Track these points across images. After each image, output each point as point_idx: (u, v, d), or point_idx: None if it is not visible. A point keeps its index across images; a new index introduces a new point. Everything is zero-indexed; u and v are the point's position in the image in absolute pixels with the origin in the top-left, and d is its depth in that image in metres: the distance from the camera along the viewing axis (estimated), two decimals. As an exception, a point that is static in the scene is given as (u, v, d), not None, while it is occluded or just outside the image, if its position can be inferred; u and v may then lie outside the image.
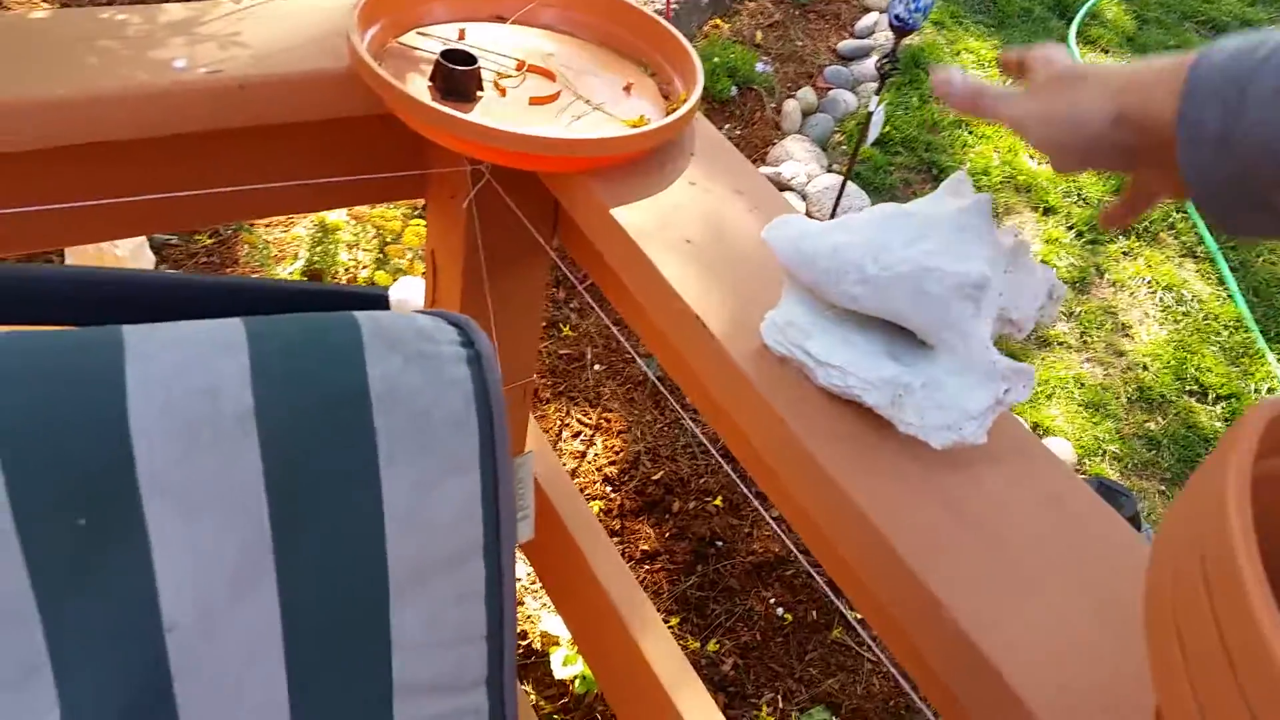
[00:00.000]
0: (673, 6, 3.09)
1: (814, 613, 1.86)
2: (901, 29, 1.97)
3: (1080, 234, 2.80)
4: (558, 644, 1.65)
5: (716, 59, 2.96)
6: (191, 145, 0.85)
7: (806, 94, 2.98)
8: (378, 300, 0.62)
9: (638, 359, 2.17)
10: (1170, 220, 2.92)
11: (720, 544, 1.92)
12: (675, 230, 0.78)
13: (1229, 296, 2.73)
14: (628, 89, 0.91)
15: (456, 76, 0.82)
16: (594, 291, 2.26)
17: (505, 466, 0.59)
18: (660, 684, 1.05)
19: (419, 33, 0.92)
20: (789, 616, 1.84)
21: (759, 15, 3.32)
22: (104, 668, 0.53)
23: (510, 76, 0.89)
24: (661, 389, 2.08)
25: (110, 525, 0.51)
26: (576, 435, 2.03)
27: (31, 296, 0.63)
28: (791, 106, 2.90)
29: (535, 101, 0.87)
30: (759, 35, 3.21)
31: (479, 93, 0.85)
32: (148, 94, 0.80)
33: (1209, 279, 2.79)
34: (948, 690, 0.60)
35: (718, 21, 3.22)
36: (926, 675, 0.64)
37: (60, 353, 0.51)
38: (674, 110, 0.86)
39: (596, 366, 2.16)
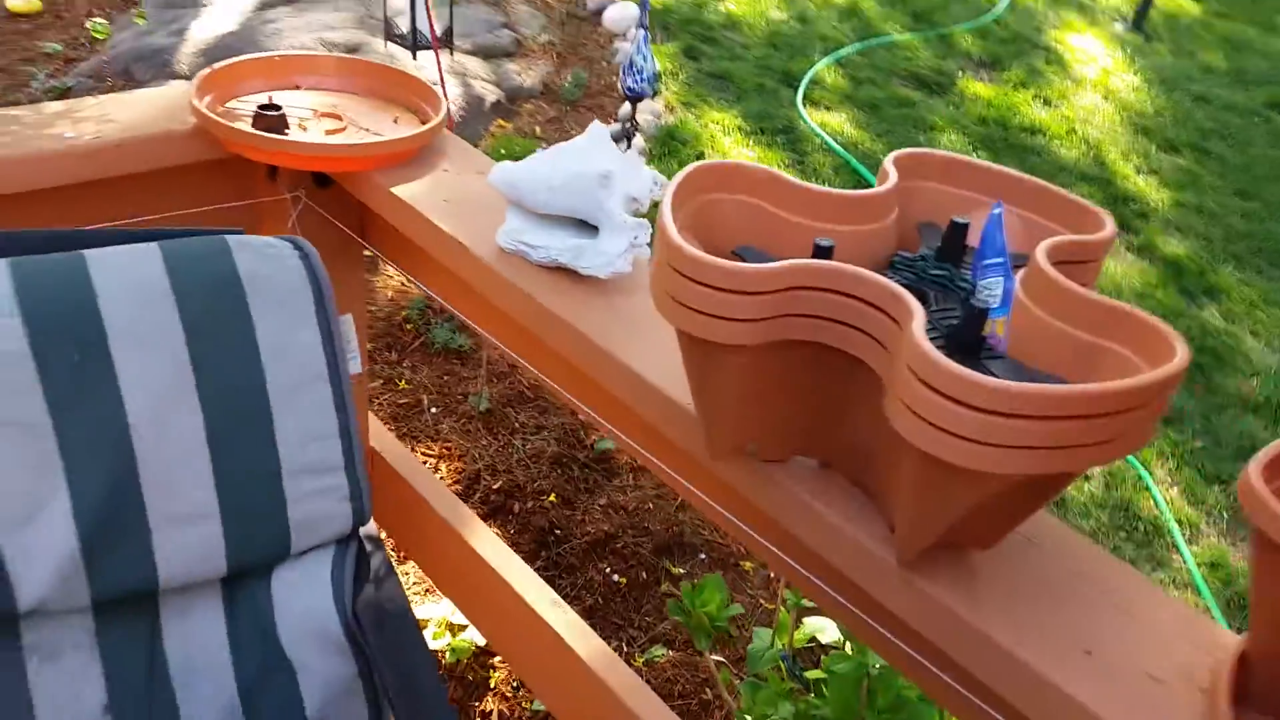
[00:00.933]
0: (460, 113, 3.55)
1: (643, 574, 2.21)
2: (634, 96, 2.46)
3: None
4: (425, 624, 1.93)
5: (504, 151, 3.41)
6: (73, 194, 1.18)
7: (584, 170, 3.47)
8: (233, 232, 0.97)
9: (469, 397, 2.52)
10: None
11: (559, 532, 2.25)
12: (437, 195, 1.17)
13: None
14: (396, 120, 1.31)
15: (270, 118, 1.19)
16: (423, 351, 2.61)
17: (334, 321, 0.95)
18: (554, 632, 1.27)
19: (238, 100, 1.29)
20: (623, 580, 2.18)
21: (537, 114, 3.83)
22: (95, 459, 0.85)
23: (309, 119, 1.26)
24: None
25: (91, 359, 0.84)
26: (423, 464, 2.35)
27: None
28: (573, 182, 3.38)
29: (329, 133, 1.25)
30: (538, 129, 3.71)
31: (286, 130, 1.22)
32: (48, 155, 1.13)
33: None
34: (642, 419, 0.97)
35: (501, 122, 3.70)
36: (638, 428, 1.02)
37: (49, 264, 0.85)
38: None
39: (433, 409, 2.50)
